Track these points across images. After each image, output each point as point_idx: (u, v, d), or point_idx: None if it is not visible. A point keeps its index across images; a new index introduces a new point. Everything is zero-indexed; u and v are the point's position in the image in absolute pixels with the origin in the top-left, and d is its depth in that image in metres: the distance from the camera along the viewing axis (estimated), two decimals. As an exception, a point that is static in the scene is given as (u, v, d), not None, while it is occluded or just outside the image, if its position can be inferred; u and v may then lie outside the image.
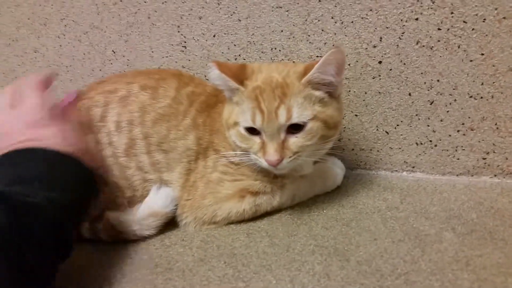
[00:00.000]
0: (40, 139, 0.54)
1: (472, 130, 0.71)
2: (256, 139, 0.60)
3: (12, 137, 0.55)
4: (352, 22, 0.72)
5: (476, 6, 0.64)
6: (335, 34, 0.74)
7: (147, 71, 0.79)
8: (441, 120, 0.72)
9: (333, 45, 0.71)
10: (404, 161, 0.77)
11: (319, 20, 0.74)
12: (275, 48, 0.79)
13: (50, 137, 0.55)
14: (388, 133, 0.77)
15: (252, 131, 0.60)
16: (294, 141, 0.59)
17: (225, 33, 0.82)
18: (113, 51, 0.95)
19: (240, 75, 0.61)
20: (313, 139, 0.59)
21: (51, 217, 0.49)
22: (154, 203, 0.66)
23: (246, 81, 0.61)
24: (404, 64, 0.71)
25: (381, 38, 0.71)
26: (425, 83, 0.71)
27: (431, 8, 0.67)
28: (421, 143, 0.75)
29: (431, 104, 0.72)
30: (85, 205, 0.58)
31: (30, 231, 0.46)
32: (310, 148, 0.60)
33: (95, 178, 0.58)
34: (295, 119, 0.58)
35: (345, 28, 0.73)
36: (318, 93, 0.60)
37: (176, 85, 0.69)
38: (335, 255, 0.57)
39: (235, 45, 0.82)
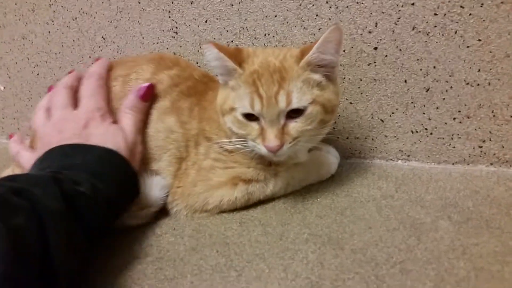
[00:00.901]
0: (89, 138, 0.60)
1: (468, 117, 0.70)
2: (254, 125, 0.58)
3: (65, 135, 0.60)
4: (347, 7, 0.70)
5: (474, -10, 0.63)
6: (329, 19, 0.72)
7: (124, 60, 0.77)
8: (437, 108, 0.71)
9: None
10: (399, 150, 0.76)
11: (313, 5, 0.72)
12: (269, 34, 0.77)
13: (98, 135, 0.60)
14: (383, 121, 0.75)
15: (249, 117, 0.58)
16: (294, 126, 0.58)
17: (217, 18, 0.80)
18: (102, 37, 0.93)
19: (237, 56, 0.59)
20: (313, 124, 0.58)
21: (97, 207, 0.52)
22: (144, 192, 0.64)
23: (243, 64, 0.59)
24: (400, 50, 0.70)
25: (376, 23, 0.69)
26: (421, 69, 0.70)
27: (428, -8, 0.65)
28: (417, 131, 0.74)
29: (427, 91, 0.71)
30: (125, 204, 0.60)
31: (80, 218, 0.50)
32: (309, 133, 0.59)
33: (137, 179, 0.61)
34: (295, 104, 0.56)
35: (340, 13, 0.71)
36: (316, 76, 0.58)
37: (153, 69, 0.68)
38: (329, 244, 0.56)
39: (227, 30, 0.80)
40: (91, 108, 0.63)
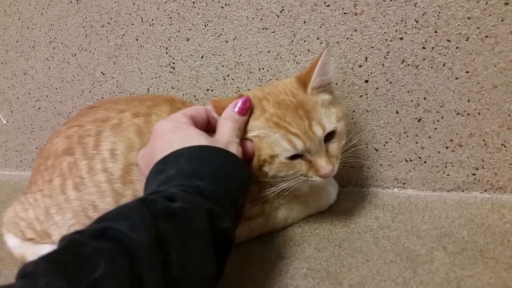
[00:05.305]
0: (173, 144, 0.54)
1: (460, 146, 0.71)
2: (300, 162, 0.60)
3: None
4: (337, 42, 0.72)
5: (459, 25, 0.65)
6: (321, 54, 0.74)
7: (140, 97, 0.79)
8: (429, 137, 0.73)
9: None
10: (395, 178, 0.78)
11: (305, 41, 0.74)
12: (263, 68, 0.79)
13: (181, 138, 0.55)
14: (377, 150, 0.77)
15: (293, 157, 0.59)
16: (333, 146, 0.61)
17: (213, 54, 0.83)
18: (102, 72, 0.95)
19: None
20: (344, 138, 0.63)
21: (200, 215, 0.47)
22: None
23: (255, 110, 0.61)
24: (390, 82, 0.71)
25: (366, 57, 0.71)
26: (412, 101, 0.71)
27: (415, 27, 0.67)
28: (411, 160, 0.75)
29: (418, 121, 0.72)
30: (241, 189, 0.55)
31: (185, 233, 0.45)
32: (343, 147, 0.63)
33: (239, 160, 0.56)
34: (328, 128, 0.59)
35: (331, 48, 0.73)
36: (325, 97, 0.62)
37: (169, 111, 0.69)
38: (328, 279, 0.57)
39: (223, 65, 0.83)
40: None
